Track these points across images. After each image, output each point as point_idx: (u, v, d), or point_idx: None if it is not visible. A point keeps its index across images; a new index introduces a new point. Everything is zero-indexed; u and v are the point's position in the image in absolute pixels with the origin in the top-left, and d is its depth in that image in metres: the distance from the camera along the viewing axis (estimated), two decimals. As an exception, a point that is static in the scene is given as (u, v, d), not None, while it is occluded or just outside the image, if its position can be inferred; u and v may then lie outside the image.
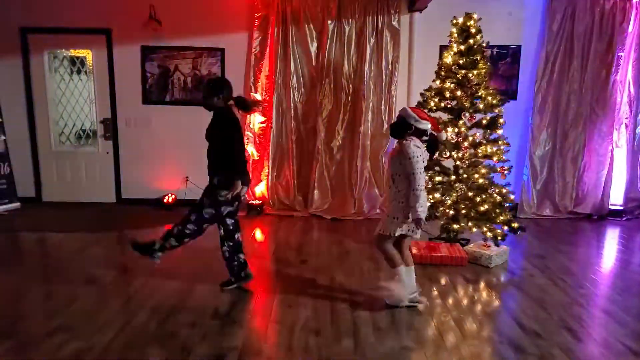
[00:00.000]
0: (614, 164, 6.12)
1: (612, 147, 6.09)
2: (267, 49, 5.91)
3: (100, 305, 3.48)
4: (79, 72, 6.21)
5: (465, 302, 3.65)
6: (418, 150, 3.25)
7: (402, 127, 3.30)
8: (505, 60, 6.02)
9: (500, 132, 4.55)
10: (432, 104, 4.62)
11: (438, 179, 4.58)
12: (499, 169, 4.60)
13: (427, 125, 3.32)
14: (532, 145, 6.10)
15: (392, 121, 3.34)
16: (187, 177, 6.25)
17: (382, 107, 6.01)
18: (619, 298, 3.71)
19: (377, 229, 3.50)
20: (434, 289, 3.88)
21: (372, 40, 5.89)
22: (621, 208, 6.21)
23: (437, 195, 4.53)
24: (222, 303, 3.56)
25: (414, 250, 4.44)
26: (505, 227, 4.53)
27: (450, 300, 3.67)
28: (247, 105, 3.63)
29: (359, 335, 3.12)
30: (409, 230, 3.36)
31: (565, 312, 3.48)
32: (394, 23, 5.87)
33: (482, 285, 3.98)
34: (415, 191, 3.21)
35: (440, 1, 5.68)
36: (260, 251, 4.82)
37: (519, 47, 6.02)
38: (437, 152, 3.40)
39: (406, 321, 3.33)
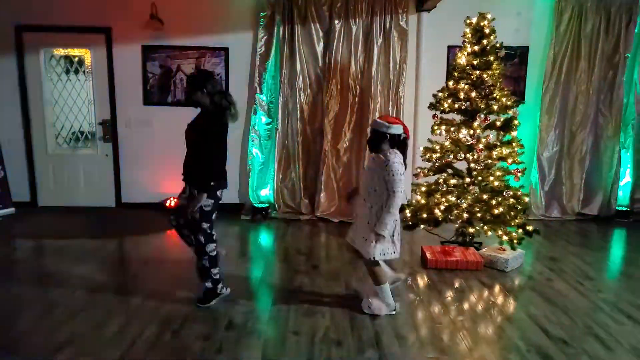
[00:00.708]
0: (621, 166, 6.08)
1: (619, 148, 6.05)
2: (273, 49, 5.79)
3: (107, 317, 3.32)
4: (76, 72, 6.03)
5: (486, 308, 3.56)
6: (402, 168, 3.17)
7: (378, 139, 3.22)
8: (513, 61, 5.96)
9: (514, 133, 4.47)
10: (445, 105, 4.52)
11: (453, 181, 4.48)
12: (512, 171, 4.52)
13: (399, 129, 3.23)
14: (540, 147, 6.04)
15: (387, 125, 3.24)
16: (189, 180, 6.08)
17: (390, 108, 5.91)
18: (641, 303, 3.65)
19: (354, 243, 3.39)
20: (453, 294, 3.79)
21: (380, 41, 5.79)
22: (627, 209, 6.17)
23: (452, 198, 4.43)
24: (235, 313, 3.43)
25: (428, 255, 4.35)
26: (520, 230, 4.46)
27: (471, 307, 3.58)
28: (230, 102, 3.37)
29: (382, 345, 3.01)
30: (387, 254, 3.27)
31: (589, 318, 3.41)
32: (402, 23, 5.77)
33: (501, 290, 3.89)
34: (391, 209, 3.14)
35: (448, 1, 5.60)
36: (269, 257, 4.68)
37: (527, 48, 5.95)
38: (405, 157, 3.31)
39: (429, 329, 3.23)
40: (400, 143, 3.26)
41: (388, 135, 3.20)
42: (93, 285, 3.84)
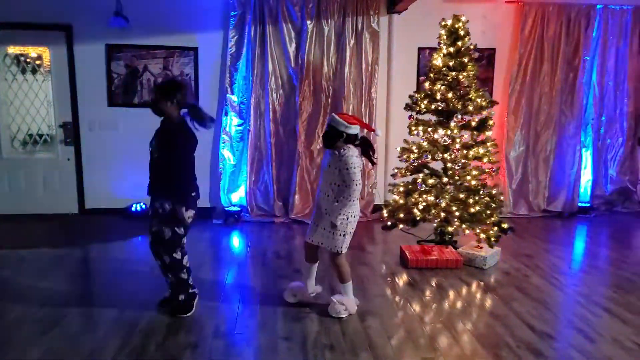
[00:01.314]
0: (582, 164, 6.35)
1: (580, 148, 6.31)
2: (244, 49, 5.67)
3: (84, 331, 3.14)
4: (34, 71, 5.70)
5: (471, 306, 3.61)
6: (358, 161, 3.20)
7: (334, 136, 3.23)
8: (480, 63, 6.09)
9: (489, 133, 4.57)
10: (422, 105, 4.56)
11: (431, 181, 4.53)
12: (487, 170, 4.62)
13: (356, 130, 3.26)
14: (507, 146, 6.22)
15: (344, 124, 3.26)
16: (157, 184, 5.87)
17: (363, 109, 5.92)
18: (615, 295, 3.79)
19: (318, 242, 3.39)
20: (437, 294, 3.81)
21: (352, 42, 5.79)
22: (589, 205, 6.44)
23: (431, 197, 4.47)
24: (220, 320, 3.32)
25: (409, 255, 4.37)
26: (495, 228, 4.55)
27: (457, 305, 3.61)
28: (202, 117, 3.22)
29: (375, 348, 2.98)
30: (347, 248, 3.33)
31: (568, 311, 3.52)
32: (374, 25, 5.79)
33: (483, 287, 3.95)
34: (348, 200, 3.19)
35: (417, 4, 5.65)
36: (249, 262, 4.57)
37: (494, 50, 6.11)
38: (374, 153, 3.38)
39: (419, 329, 3.23)
40: (360, 143, 3.31)
41: (344, 135, 3.21)
42: (63, 298, 3.62)
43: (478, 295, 3.80)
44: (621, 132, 6.38)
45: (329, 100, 5.89)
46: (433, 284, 4.01)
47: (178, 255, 3.28)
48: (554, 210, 6.39)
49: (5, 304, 3.49)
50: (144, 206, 5.83)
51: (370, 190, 6.13)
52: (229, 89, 5.75)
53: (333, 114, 3.35)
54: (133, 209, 5.80)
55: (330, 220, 3.26)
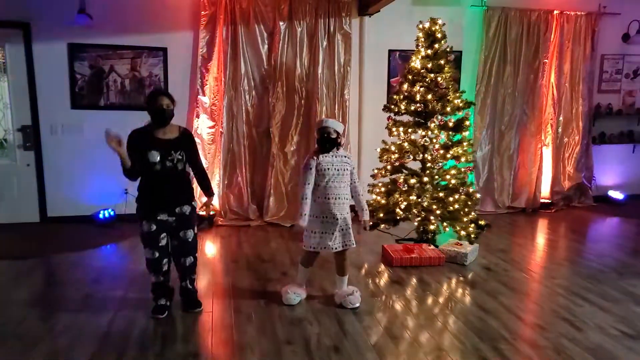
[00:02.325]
0: (543, 162, 6.66)
1: (541, 146, 6.62)
2: (216, 50, 5.56)
3: (74, 346, 2.96)
4: (-14, 72, 5.34)
5: (462, 302, 3.70)
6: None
7: (336, 139, 3.43)
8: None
9: (466, 133, 4.70)
10: (402, 107, 4.64)
11: (412, 181, 4.61)
12: (463, 169, 4.76)
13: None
14: (474, 146, 6.42)
15: (343, 126, 3.63)
16: (126, 190, 5.64)
17: (336, 111, 5.94)
18: (590, 286, 4.00)
19: (350, 244, 3.56)
20: (427, 291, 3.89)
21: (325, 43, 5.80)
22: (549, 201, 6.77)
23: (413, 197, 4.55)
24: (217, 328, 3.23)
25: (393, 254, 4.42)
26: (472, 225, 4.69)
27: (448, 301, 3.69)
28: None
29: (379, 347, 3.00)
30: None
31: (552, 303, 3.67)
32: (346, 26, 5.83)
33: (468, 283, 4.06)
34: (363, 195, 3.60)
35: (386, 7, 5.74)
36: (233, 267, 4.46)
37: (460, 52, 6.30)
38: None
39: (417, 326, 3.27)
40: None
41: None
42: (42, 312, 3.41)
43: (466, 291, 3.90)
44: (577, 131, 6.74)
45: (302, 101, 5.88)
46: (420, 281, 4.08)
47: (197, 254, 3.45)
48: (518, 207, 6.67)
49: (-22, 322, 3.24)
50: (112, 212, 5.58)
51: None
52: (200, 91, 5.61)
53: (328, 119, 3.43)
54: (101, 215, 5.54)
55: (364, 218, 3.58)
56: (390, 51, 6.14)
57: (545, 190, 6.80)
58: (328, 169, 3.37)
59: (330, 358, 2.87)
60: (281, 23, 5.66)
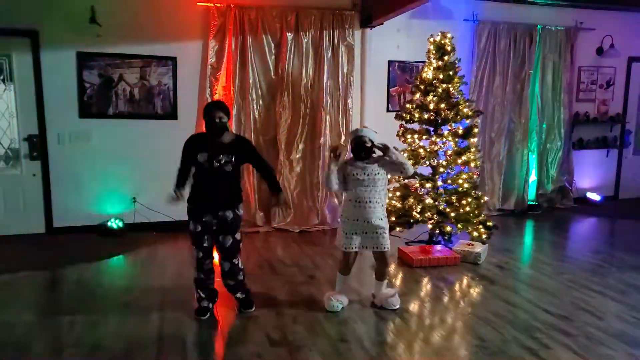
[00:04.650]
0: (530, 167, 7.09)
1: (527, 152, 7.04)
2: (225, 59, 5.64)
3: (132, 349, 3.00)
4: (-9, 80, 5.21)
5: (487, 298, 3.95)
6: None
7: (372, 147, 3.62)
8: (444, 75, 6.59)
9: (474, 140, 5.00)
10: (416, 116, 4.89)
11: (428, 185, 4.85)
12: (472, 174, 5.05)
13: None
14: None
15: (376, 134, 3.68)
16: (134, 198, 5.62)
17: (340, 119, 6.13)
18: (596, 279, 4.34)
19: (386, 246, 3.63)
20: (452, 288, 4.12)
21: (329, 54, 5.99)
22: (535, 203, 7.19)
23: (429, 200, 4.79)
24: (269, 328, 3.33)
25: (413, 255, 4.63)
26: (480, 226, 4.98)
27: (476, 297, 3.94)
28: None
29: (426, 341, 3.19)
30: None
31: (569, 296, 3.97)
32: (349, 38, 6.05)
33: (488, 281, 4.31)
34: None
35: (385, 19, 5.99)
36: (260, 272, 4.51)
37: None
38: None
39: (456, 321, 3.49)
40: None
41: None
42: (87, 320, 3.40)
43: (489, 288, 4.15)
44: (559, 138, 7.21)
45: (308, 110, 6.04)
46: (444, 280, 4.31)
47: (237, 261, 3.52)
48: (507, 209, 7.05)
49: None
50: (121, 222, 5.53)
51: (347, 196, 6.34)
52: (209, 99, 5.67)
53: (363, 128, 3.65)
54: (110, 225, 5.48)
55: (385, 222, 3.59)
56: (390, 62, 6.40)
57: (531, 193, 7.22)
58: (358, 174, 3.54)
59: (386, 353, 3.04)
60: (288, 34, 5.81)
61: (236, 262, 3.52)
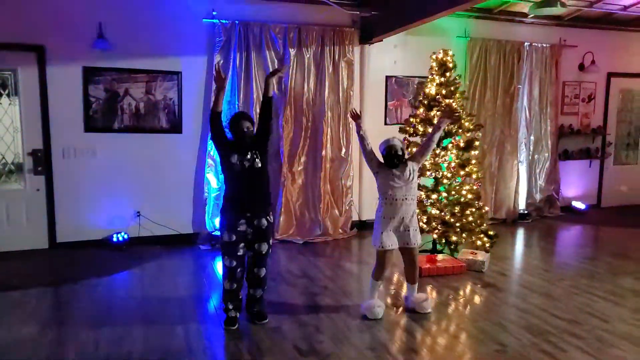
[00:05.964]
0: (520, 177, 7.37)
1: (517, 163, 7.32)
2: (229, 74, 5.73)
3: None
4: (-5, 95, 5.17)
5: (497, 304, 4.11)
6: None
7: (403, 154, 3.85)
8: (439, 89, 6.82)
9: (475, 152, 5.20)
10: (420, 129, 5.07)
11: (434, 196, 5.03)
12: (473, 184, 5.25)
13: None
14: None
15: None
16: (138, 212, 5.63)
17: (340, 132, 6.28)
18: (595, 285, 4.57)
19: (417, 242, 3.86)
20: (463, 296, 4.28)
21: (330, 69, 6.15)
22: (525, 212, 7.47)
23: (435, 211, 4.97)
24: (295, 338, 3.41)
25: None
26: (482, 235, 5.18)
27: (486, 304, 4.10)
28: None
29: (449, 349, 3.32)
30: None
31: (573, 301, 4.17)
32: (349, 54, 6.22)
33: (495, 288, 4.48)
34: None
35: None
36: (272, 283, 4.56)
37: (448, 78, 6.87)
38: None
39: (472, 327, 3.64)
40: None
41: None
42: (110, 334, 3.41)
43: (497, 295, 4.32)
44: (546, 149, 7.52)
45: (309, 123, 6.17)
46: (452, 288, 4.46)
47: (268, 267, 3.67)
48: (499, 218, 7.29)
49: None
50: (125, 236, 5.52)
51: (347, 207, 6.47)
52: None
53: (393, 138, 3.76)
54: (114, 239, 5.47)
55: (415, 219, 3.85)
56: (387, 77, 6.59)
57: (521, 203, 7.49)
58: (394, 180, 3.72)
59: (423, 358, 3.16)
60: (291, 50, 5.95)
61: (267, 269, 3.70)
